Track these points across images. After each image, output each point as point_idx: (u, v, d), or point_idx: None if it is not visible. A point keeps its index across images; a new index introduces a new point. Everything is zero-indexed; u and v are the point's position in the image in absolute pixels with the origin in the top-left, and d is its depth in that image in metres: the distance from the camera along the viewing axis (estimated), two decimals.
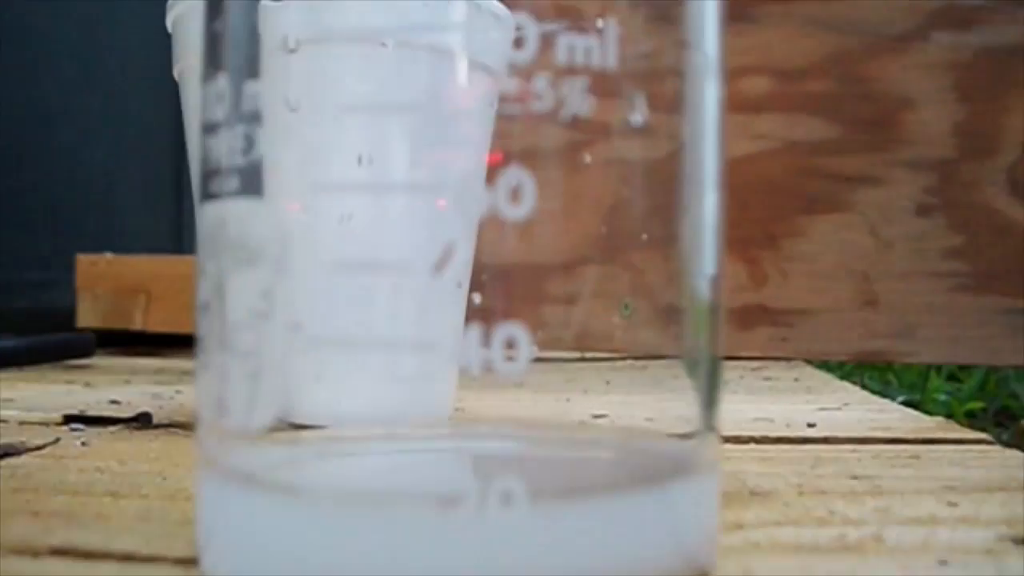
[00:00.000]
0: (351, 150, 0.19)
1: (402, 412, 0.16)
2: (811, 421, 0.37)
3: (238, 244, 0.17)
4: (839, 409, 0.42)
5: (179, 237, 0.82)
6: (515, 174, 0.16)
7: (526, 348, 0.15)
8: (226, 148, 0.17)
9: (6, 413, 0.38)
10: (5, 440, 0.32)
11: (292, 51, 0.19)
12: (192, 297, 0.18)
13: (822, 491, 0.25)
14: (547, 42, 0.16)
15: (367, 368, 0.18)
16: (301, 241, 0.17)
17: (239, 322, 0.16)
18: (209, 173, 0.17)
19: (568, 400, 0.22)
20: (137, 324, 0.68)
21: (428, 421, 0.17)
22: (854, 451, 0.31)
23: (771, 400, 0.46)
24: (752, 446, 0.32)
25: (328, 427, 0.19)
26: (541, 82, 0.16)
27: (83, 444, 0.32)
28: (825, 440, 0.33)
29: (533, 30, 0.16)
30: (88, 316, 0.69)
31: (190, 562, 0.19)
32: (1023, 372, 1.03)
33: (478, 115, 0.17)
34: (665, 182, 0.19)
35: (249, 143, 0.17)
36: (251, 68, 0.17)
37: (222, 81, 0.17)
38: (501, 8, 0.17)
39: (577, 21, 0.16)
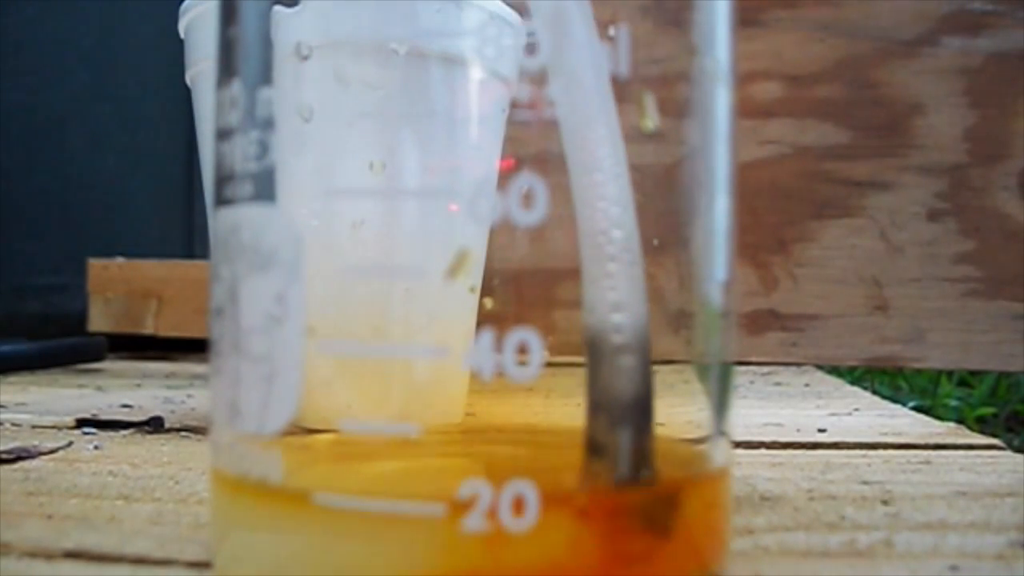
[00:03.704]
0: (363, 156, 0.20)
1: (414, 416, 0.16)
2: (821, 426, 0.37)
3: (252, 249, 0.17)
4: (849, 414, 0.42)
5: (190, 242, 0.82)
6: (527, 179, 0.16)
7: (538, 353, 0.15)
8: (240, 154, 0.17)
9: (19, 417, 0.38)
10: (18, 443, 0.32)
11: (305, 58, 0.19)
12: (203, 301, 0.18)
13: (832, 496, 0.25)
14: (559, 48, 0.16)
15: (380, 372, 0.18)
16: (314, 246, 0.17)
17: (253, 327, 0.17)
18: (223, 179, 0.17)
19: (579, 405, 0.22)
20: (148, 328, 0.68)
21: (440, 426, 0.17)
22: (864, 456, 0.31)
23: (781, 405, 0.46)
24: (762, 451, 0.32)
25: (341, 432, 0.19)
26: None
27: (95, 448, 0.32)
28: (835, 445, 0.33)
29: (545, 36, 0.16)
30: (100, 320, 0.69)
31: (203, 566, 0.19)
32: None
33: (490, 121, 0.18)
34: (676, 187, 0.19)
35: (263, 149, 0.17)
36: (265, 74, 0.17)
37: (236, 87, 0.17)
38: (513, 14, 0.17)
39: None
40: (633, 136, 0.18)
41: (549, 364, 0.16)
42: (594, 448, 0.16)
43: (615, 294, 0.16)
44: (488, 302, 0.17)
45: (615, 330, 0.16)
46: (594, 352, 0.16)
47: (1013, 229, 0.60)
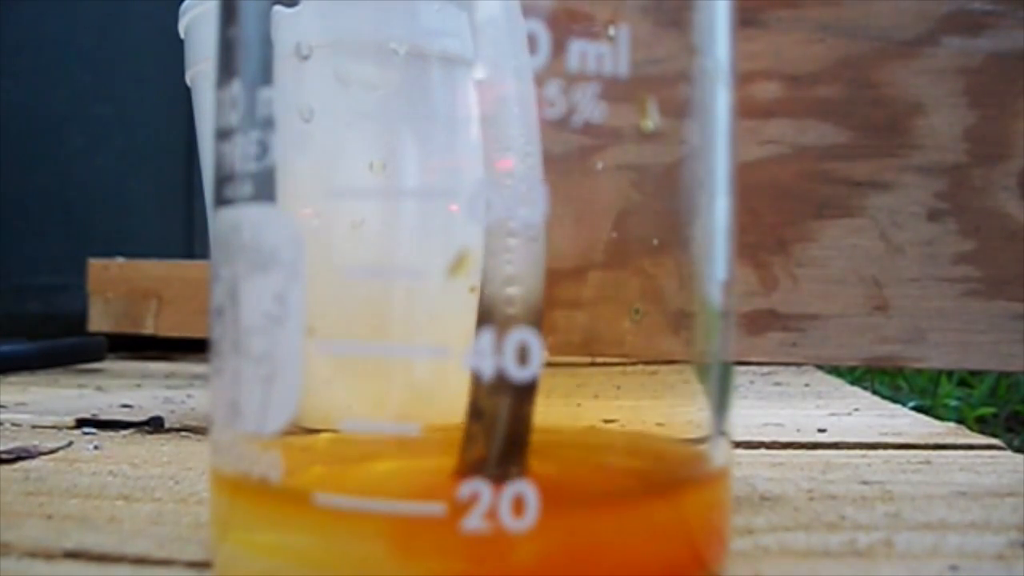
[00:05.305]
0: (363, 156, 0.20)
1: (414, 416, 0.16)
2: (821, 426, 0.37)
3: (252, 249, 0.17)
4: (849, 414, 0.42)
5: (190, 241, 0.82)
6: None
7: (537, 353, 0.15)
8: (240, 154, 0.17)
9: (19, 417, 0.38)
10: (18, 443, 0.32)
11: (305, 58, 0.19)
12: (203, 301, 0.18)
13: (832, 496, 0.25)
14: (559, 48, 0.16)
15: (380, 372, 0.18)
16: (314, 246, 0.17)
17: (253, 326, 0.17)
18: (223, 179, 0.17)
19: (579, 405, 0.22)
20: (148, 328, 0.68)
21: (440, 426, 0.17)
22: (864, 456, 0.31)
23: (781, 405, 0.46)
24: (762, 451, 0.32)
25: (341, 432, 0.19)
26: (553, 88, 0.16)
27: (95, 448, 0.32)
28: (835, 445, 0.33)
29: (545, 36, 0.16)
30: (100, 320, 0.69)
31: (203, 566, 0.19)
32: None
33: None
34: (676, 187, 0.19)
35: (263, 149, 0.17)
36: (264, 74, 0.17)
37: (236, 87, 0.17)
38: None
39: (589, 27, 0.16)
40: (633, 136, 0.18)
41: (549, 364, 0.16)
42: (475, 412, 0.16)
43: (511, 268, 0.16)
44: None
45: (507, 302, 0.16)
46: (486, 322, 0.16)
47: (1013, 229, 0.60)
